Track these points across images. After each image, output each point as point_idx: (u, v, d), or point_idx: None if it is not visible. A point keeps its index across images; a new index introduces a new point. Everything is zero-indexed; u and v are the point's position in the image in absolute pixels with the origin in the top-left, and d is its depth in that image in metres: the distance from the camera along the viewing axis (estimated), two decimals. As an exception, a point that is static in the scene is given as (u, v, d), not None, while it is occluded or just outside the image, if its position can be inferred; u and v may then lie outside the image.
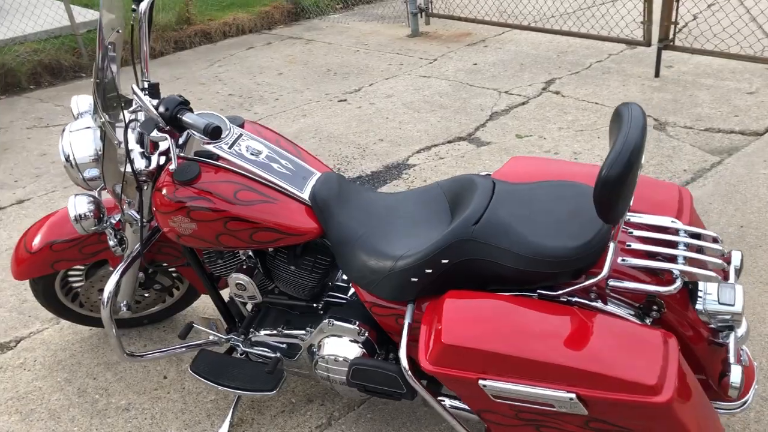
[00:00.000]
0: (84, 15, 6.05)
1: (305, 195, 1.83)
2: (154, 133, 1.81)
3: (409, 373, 1.63)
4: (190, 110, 1.75)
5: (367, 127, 4.09)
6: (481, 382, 1.48)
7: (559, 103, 4.17)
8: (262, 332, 2.03)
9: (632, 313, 1.58)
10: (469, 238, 1.61)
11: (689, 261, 1.59)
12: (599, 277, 1.52)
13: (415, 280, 1.67)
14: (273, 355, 2.02)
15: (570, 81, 4.50)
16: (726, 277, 1.67)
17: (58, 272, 2.26)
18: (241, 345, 2.07)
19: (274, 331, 2.01)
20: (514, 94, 4.39)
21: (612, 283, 1.56)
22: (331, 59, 5.47)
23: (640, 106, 1.51)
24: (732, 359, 1.54)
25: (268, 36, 6.34)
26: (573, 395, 1.42)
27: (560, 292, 1.59)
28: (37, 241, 2.17)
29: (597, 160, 3.46)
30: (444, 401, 1.75)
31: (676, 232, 1.66)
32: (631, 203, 1.68)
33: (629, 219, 1.69)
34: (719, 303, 1.58)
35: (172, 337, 2.50)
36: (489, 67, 4.91)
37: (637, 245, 1.61)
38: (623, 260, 1.58)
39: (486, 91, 4.46)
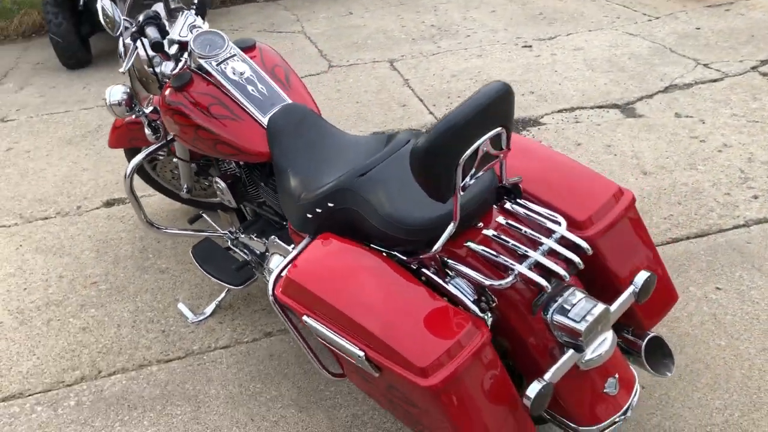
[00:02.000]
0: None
1: (265, 120, 2.02)
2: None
3: (273, 296, 1.77)
4: (161, 26, 2.05)
5: (529, 77, 3.98)
6: (305, 318, 1.60)
7: (756, 87, 3.59)
8: (247, 236, 2.30)
9: (472, 299, 1.54)
10: (349, 188, 1.68)
11: (539, 266, 1.49)
12: (430, 252, 1.52)
13: (310, 216, 1.80)
14: (247, 257, 2.29)
15: (794, 65, 3.81)
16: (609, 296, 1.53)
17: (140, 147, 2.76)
18: (229, 242, 2.38)
19: (254, 238, 2.27)
20: (713, 68, 3.87)
21: (449, 262, 1.54)
22: (550, 2, 5.26)
23: (509, 86, 1.43)
24: (547, 375, 1.44)
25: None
26: (362, 353, 1.48)
27: (409, 259, 1.61)
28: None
29: (742, 157, 2.99)
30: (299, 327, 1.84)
31: (549, 233, 1.55)
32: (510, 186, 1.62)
33: (512, 207, 1.62)
34: (566, 316, 1.47)
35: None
36: (710, 34, 4.34)
37: (491, 232, 1.54)
38: (467, 243, 1.53)
39: (682, 60, 4.00)
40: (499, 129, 1.45)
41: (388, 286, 1.54)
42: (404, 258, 1.62)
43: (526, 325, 1.53)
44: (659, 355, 1.75)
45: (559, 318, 1.50)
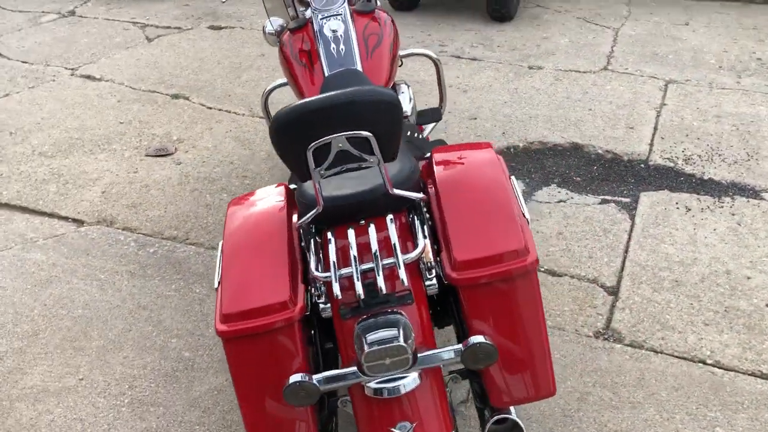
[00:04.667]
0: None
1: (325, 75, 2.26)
2: None
3: None
4: None
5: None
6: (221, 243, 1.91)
7: None
8: None
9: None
10: None
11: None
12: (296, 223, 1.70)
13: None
14: None
15: None
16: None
17: None
18: None
19: None
20: None
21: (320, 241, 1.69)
22: None
23: (389, 97, 1.48)
24: (316, 375, 1.53)
25: None
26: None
27: None
28: None
29: None
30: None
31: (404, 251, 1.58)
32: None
33: (389, 219, 1.65)
34: (365, 335, 1.51)
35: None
36: None
37: (352, 232, 1.62)
38: (329, 232, 1.66)
39: None
40: (362, 132, 1.50)
41: (266, 240, 1.73)
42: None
43: (339, 327, 1.59)
44: None
45: (359, 333, 1.53)
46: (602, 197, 3.05)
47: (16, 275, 2.66)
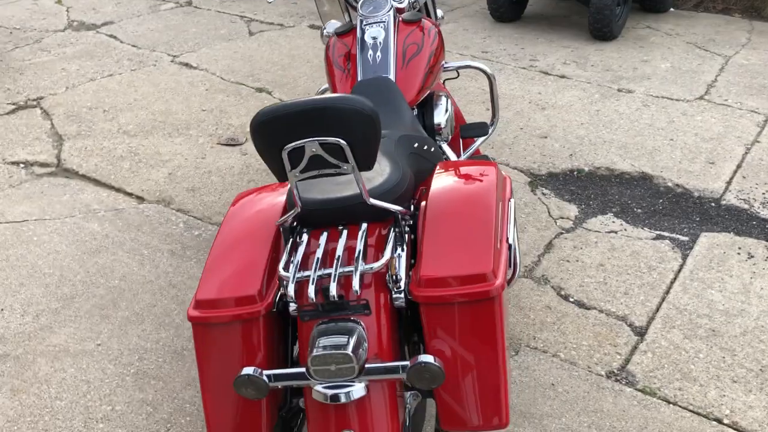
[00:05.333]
0: None
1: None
2: None
3: None
4: None
5: None
6: None
7: None
8: None
9: None
10: None
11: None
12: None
13: None
14: None
15: None
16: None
17: None
18: None
19: None
20: None
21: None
22: None
23: (363, 106, 1.51)
24: (265, 371, 1.56)
25: None
26: None
27: None
28: None
29: None
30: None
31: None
32: None
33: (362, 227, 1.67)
34: (317, 338, 1.54)
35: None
36: None
37: (324, 236, 1.65)
38: (304, 231, 1.71)
39: None
40: (334, 140, 1.52)
41: (254, 235, 1.80)
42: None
43: (300, 327, 1.63)
44: None
45: (314, 335, 1.56)
46: (658, 233, 2.89)
47: (71, 241, 2.88)
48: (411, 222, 1.77)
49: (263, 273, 1.66)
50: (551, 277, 2.65)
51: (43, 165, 3.48)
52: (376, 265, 1.58)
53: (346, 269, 1.57)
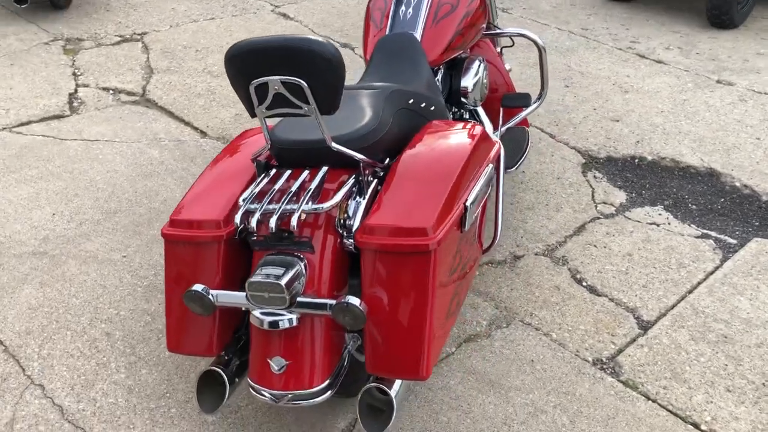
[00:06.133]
0: None
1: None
2: None
3: None
4: None
5: None
6: None
7: None
8: None
9: None
10: None
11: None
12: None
13: None
14: None
15: None
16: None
17: None
18: None
19: None
20: None
21: None
22: None
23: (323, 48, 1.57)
24: (214, 292, 1.69)
25: None
26: None
27: None
28: None
29: None
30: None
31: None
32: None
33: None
34: (259, 266, 1.64)
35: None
36: None
37: (286, 174, 1.74)
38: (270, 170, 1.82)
39: None
40: (294, 79, 1.59)
41: (238, 168, 1.91)
42: None
43: (254, 255, 1.73)
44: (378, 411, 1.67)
45: (259, 264, 1.66)
46: (704, 231, 2.73)
47: (130, 163, 3.14)
48: (381, 174, 1.82)
49: (233, 203, 1.77)
50: (571, 259, 2.58)
51: (129, 93, 3.78)
52: (322, 206, 1.64)
53: (292, 206, 1.64)
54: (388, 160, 1.85)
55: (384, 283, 1.61)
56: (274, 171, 1.79)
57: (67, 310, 2.35)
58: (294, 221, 1.60)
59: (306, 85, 1.59)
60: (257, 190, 1.72)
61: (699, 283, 2.47)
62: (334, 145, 1.69)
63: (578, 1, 5.04)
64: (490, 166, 1.91)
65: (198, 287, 1.68)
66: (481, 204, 1.88)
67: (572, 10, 4.86)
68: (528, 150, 2.67)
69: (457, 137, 1.89)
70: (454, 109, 2.54)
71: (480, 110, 2.68)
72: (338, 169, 1.76)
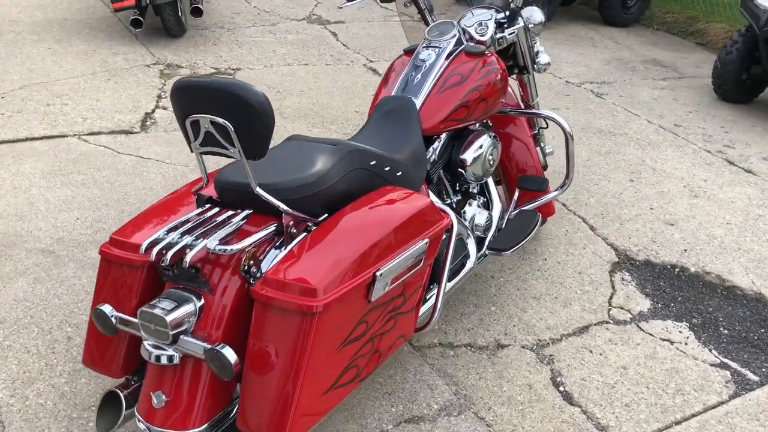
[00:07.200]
0: None
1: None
2: None
3: None
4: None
5: None
6: None
7: None
8: None
9: None
10: None
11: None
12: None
13: None
14: None
15: None
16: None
17: None
18: None
19: None
20: None
21: None
22: None
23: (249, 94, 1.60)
24: (107, 309, 1.73)
25: None
26: None
27: None
28: None
29: None
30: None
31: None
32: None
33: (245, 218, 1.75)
34: (158, 297, 1.67)
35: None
36: None
37: (210, 215, 1.77)
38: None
39: None
40: (222, 120, 1.61)
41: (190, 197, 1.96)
42: None
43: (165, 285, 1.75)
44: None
45: (161, 295, 1.68)
46: (725, 361, 2.45)
47: (167, 184, 3.30)
48: (313, 228, 1.78)
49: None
50: (558, 360, 2.39)
51: (199, 121, 3.99)
52: (227, 247, 1.62)
53: (198, 242, 1.64)
54: (326, 216, 1.82)
55: (266, 339, 1.56)
56: (208, 206, 1.81)
57: (45, 308, 2.47)
58: (189, 257, 1.60)
59: (231, 128, 1.60)
60: (175, 223, 1.74)
61: (692, 416, 2.20)
62: (258, 190, 1.68)
63: (683, 96, 4.79)
64: (425, 240, 1.83)
65: (105, 307, 1.72)
66: (406, 277, 1.80)
67: (671, 105, 4.62)
68: (531, 236, 2.53)
69: (396, 205, 1.83)
70: (459, 181, 2.46)
71: (491, 185, 2.59)
72: (265, 215, 1.75)
